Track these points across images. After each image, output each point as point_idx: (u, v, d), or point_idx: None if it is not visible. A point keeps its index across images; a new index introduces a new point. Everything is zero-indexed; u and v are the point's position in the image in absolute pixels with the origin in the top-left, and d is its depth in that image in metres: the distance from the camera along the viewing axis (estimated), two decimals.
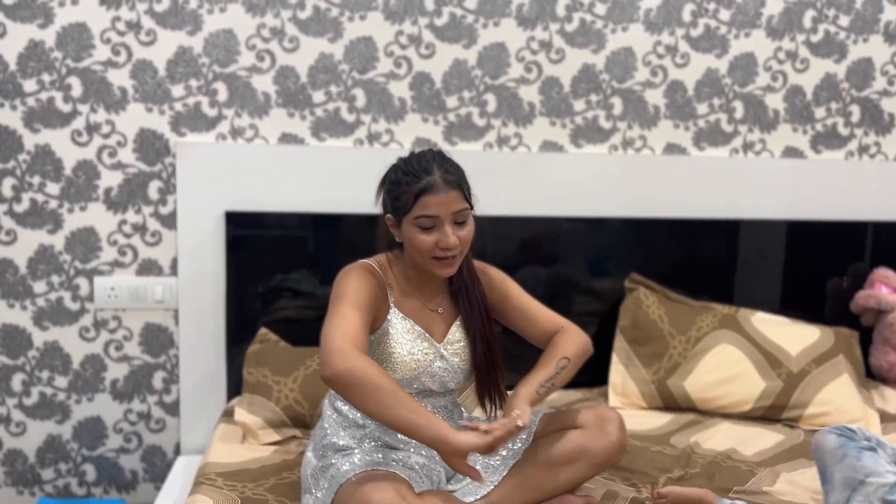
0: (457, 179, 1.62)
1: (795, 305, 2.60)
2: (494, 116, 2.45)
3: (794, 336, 2.39)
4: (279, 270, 2.38)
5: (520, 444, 1.73)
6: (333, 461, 1.66)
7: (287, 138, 2.38)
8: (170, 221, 2.36)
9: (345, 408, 1.72)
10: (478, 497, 1.66)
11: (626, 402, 2.35)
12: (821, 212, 2.60)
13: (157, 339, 2.40)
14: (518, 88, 2.44)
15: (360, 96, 2.39)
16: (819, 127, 2.61)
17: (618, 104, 2.50)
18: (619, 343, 2.43)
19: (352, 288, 1.60)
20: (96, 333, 2.36)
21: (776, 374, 2.28)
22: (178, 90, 2.31)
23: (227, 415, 2.19)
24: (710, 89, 2.53)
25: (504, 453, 1.73)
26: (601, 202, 2.49)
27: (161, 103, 2.30)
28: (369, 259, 1.72)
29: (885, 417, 2.26)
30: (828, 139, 2.62)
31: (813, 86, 2.58)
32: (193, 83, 2.31)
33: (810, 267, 2.64)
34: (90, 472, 2.42)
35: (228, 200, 2.33)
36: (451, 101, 2.42)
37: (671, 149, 2.55)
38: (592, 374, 2.35)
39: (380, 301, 1.66)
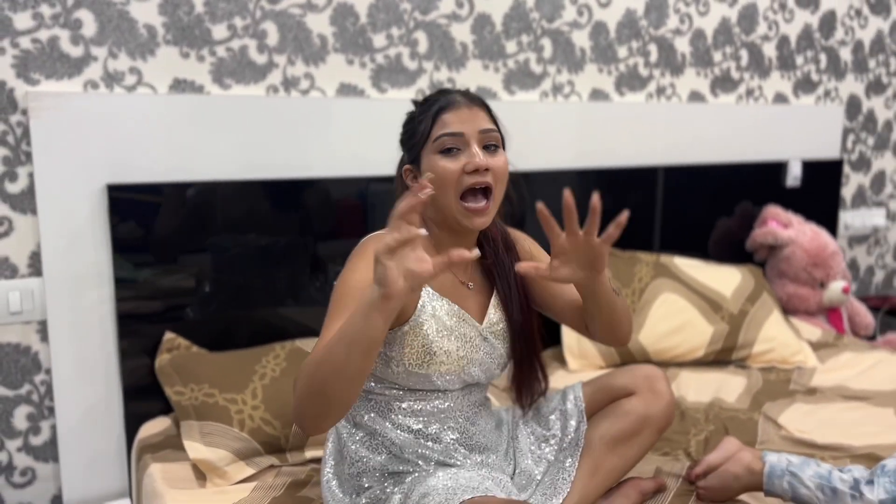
0: (481, 99, 1.36)
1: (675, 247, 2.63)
2: (426, 59, 2.11)
3: (720, 278, 2.42)
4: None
5: (574, 424, 1.51)
6: (387, 486, 1.31)
7: (181, 85, 1.84)
8: (24, 203, 1.72)
9: (371, 422, 1.36)
10: (558, 502, 1.42)
11: (585, 364, 2.22)
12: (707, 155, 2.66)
13: (16, 365, 1.76)
14: (450, 26, 2.13)
15: (272, 32, 1.91)
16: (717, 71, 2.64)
17: (548, 46, 2.30)
18: None
19: (357, 278, 1.21)
20: None
21: (720, 318, 2.30)
22: (23, 20, 1.66)
23: (153, 450, 1.67)
24: (630, 31, 2.43)
25: (552, 446, 1.50)
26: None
27: None
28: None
29: (812, 346, 2.39)
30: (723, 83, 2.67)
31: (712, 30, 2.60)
32: (46, 10, 1.68)
33: (689, 209, 2.68)
34: None
35: (109, 170, 1.75)
36: (379, 41, 2.04)
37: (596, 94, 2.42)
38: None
39: None
